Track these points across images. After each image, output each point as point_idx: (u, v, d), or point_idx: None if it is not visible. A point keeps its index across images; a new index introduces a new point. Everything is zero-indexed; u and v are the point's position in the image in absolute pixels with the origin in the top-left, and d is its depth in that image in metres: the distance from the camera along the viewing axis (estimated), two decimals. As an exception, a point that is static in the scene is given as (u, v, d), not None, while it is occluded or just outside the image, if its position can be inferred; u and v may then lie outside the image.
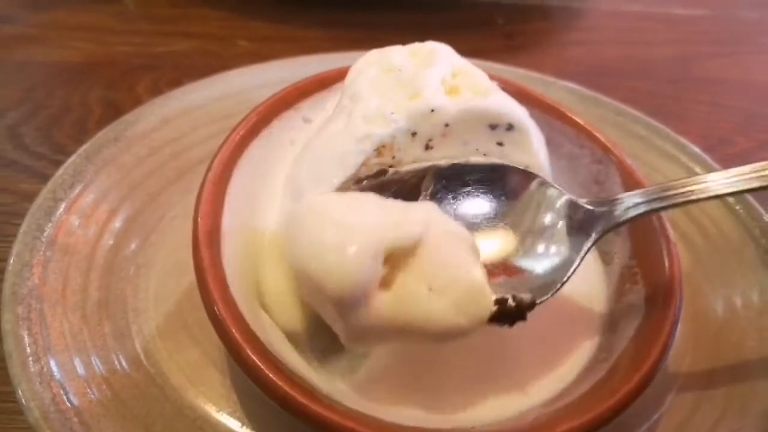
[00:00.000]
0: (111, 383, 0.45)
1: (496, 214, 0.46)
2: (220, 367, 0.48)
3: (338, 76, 0.56)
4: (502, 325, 0.43)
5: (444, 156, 0.47)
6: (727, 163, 0.67)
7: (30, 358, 0.43)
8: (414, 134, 0.46)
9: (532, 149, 0.48)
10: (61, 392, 0.43)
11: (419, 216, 0.42)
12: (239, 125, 0.51)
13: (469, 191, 0.47)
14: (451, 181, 0.47)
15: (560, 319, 0.49)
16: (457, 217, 0.46)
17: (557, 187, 0.48)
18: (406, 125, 0.46)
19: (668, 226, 0.51)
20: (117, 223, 0.54)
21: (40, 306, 0.47)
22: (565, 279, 0.44)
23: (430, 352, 0.46)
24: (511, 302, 0.42)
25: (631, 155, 0.56)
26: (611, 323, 0.49)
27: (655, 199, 0.47)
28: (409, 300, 0.40)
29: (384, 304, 0.40)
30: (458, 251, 0.43)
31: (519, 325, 0.43)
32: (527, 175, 0.48)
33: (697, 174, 0.64)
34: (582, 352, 0.48)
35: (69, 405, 0.42)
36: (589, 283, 0.52)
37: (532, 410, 0.44)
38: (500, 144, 0.49)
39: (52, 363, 0.44)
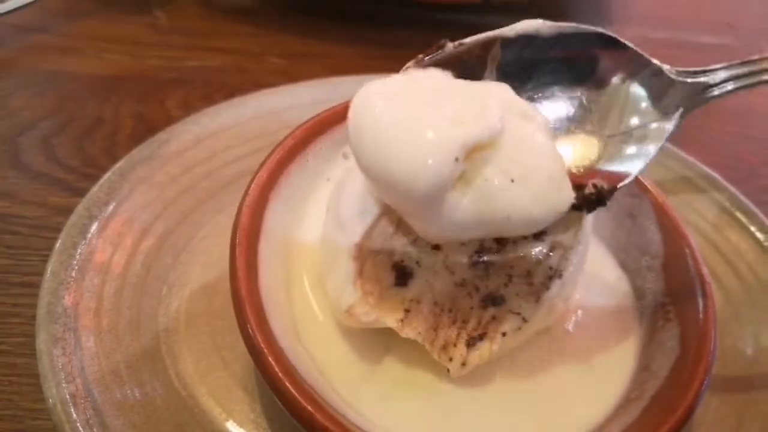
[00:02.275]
0: (143, 405, 0.45)
1: (567, 91, 0.46)
2: (250, 391, 0.48)
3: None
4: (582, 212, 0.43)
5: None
6: (756, 195, 0.68)
7: (64, 380, 0.43)
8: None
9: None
10: (94, 415, 0.43)
11: (495, 102, 0.41)
12: (275, 150, 0.51)
13: (539, 64, 0.46)
14: (521, 50, 0.46)
15: (592, 355, 0.49)
16: (528, 95, 0.45)
17: (640, 52, 0.46)
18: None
19: (703, 264, 0.50)
20: (149, 242, 0.55)
21: (75, 325, 0.47)
22: (643, 167, 0.45)
23: (459, 391, 0.46)
24: (590, 188, 0.43)
25: (660, 187, 0.56)
26: (644, 361, 0.49)
27: (744, 75, 0.46)
28: (491, 193, 0.40)
29: (466, 199, 0.40)
30: (535, 137, 0.42)
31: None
32: (604, 40, 0.47)
33: (726, 208, 0.64)
34: (614, 389, 0.47)
35: (102, 429, 0.42)
36: (621, 318, 0.52)
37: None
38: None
39: (86, 385, 0.44)
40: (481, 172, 0.40)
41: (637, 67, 0.47)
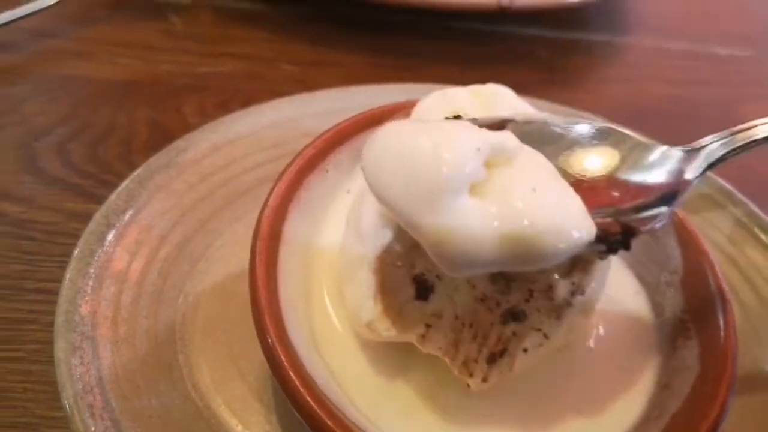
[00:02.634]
0: (160, 416, 0.45)
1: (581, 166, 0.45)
2: (266, 402, 0.48)
3: (390, 112, 0.56)
4: (604, 252, 0.41)
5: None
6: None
7: (82, 389, 0.43)
8: None
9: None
10: (112, 425, 0.42)
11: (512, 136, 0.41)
12: (295, 160, 0.51)
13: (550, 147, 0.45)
14: (532, 136, 0.44)
15: (610, 372, 0.49)
16: None
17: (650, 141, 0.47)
18: None
19: (723, 280, 0.50)
20: (167, 250, 0.54)
21: (92, 334, 0.47)
22: (671, 209, 0.44)
23: (479, 408, 0.46)
24: (615, 226, 0.41)
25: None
26: (664, 379, 0.48)
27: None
28: (512, 199, 0.38)
29: (486, 204, 0.38)
30: (551, 173, 0.41)
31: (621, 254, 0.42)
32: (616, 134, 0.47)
33: (744, 223, 0.64)
34: (634, 408, 0.47)
35: (120, 438, 0.42)
36: (640, 334, 0.51)
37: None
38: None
39: (104, 395, 0.44)
40: (501, 182, 0.39)
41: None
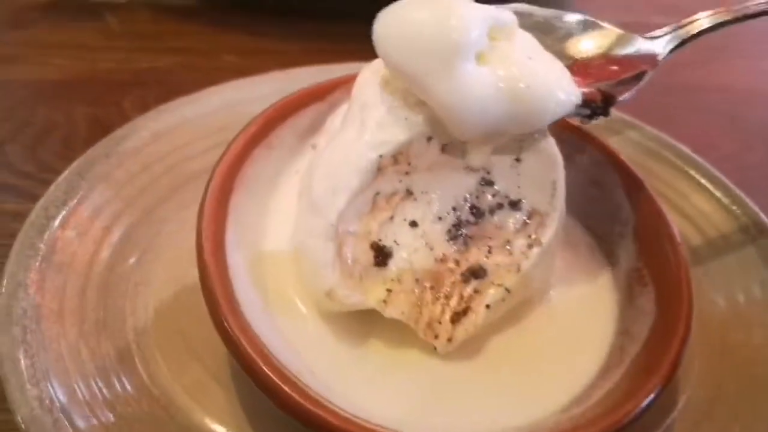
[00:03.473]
0: (114, 406, 0.43)
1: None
2: (225, 383, 0.46)
3: (331, 88, 0.56)
4: (586, 117, 0.48)
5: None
6: (717, 165, 0.69)
7: (28, 383, 0.41)
8: (430, 139, 0.45)
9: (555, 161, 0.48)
10: (63, 417, 0.41)
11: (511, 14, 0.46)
12: (237, 138, 0.50)
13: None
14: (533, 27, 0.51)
15: (571, 324, 0.49)
16: None
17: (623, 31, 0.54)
18: (420, 130, 0.44)
19: (674, 225, 0.50)
20: (112, 240, 0.52)
21: (37, 327, 0.45)
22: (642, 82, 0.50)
23: (446, 367, 0.45)
24: (597, 95, 0.47)
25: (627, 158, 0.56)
26: (623, 326, 0.48)
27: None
28: (511, 65, 0.43)
29: (488, 70, 0.42)
30: (542, 49, 0.47)
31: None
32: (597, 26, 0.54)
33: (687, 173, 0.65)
34: (595, 357, 0.47)
35: (72, 430, 0.40)
36: (597, 285, 0.52)
37: (550, 417, 0.43)
38: (517, 159, 0.48)
39: (52, 387, 0.42)
40: (501, 51, 0.43)
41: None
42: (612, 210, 0.54)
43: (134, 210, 0.55)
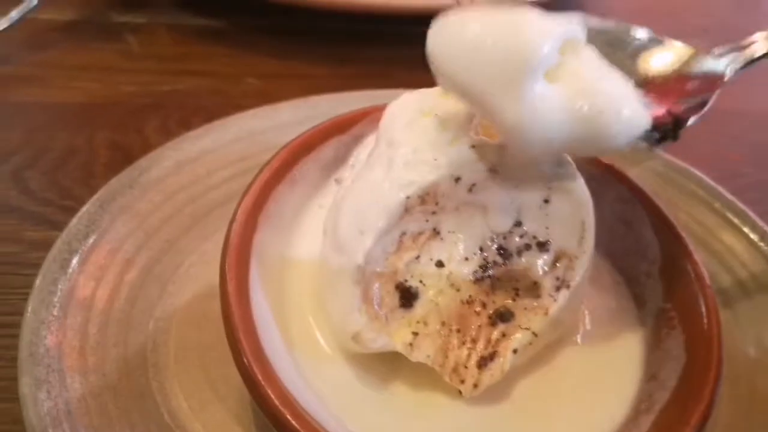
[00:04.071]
0: (135, 446, 0.43)
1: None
2: (247, 425, 0.46)
3: (354, 120, 0.56)
4: (655, 141, 0.45)
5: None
6: (741, 194, 0.67)
7: (50, 425, 0.41)
8: (458, 179, 0.44)
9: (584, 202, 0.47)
10: (84, 459, 0.40)
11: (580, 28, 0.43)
12: (260, 173, 0.49)
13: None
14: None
15: (597, 367, 0.48)
16: None
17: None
18: (449, 171, 0.44)
19: (702, 265, 0.49)
20: (133, 274, 0.52)
21: (59, 366, 0.44)
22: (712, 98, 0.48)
23: (471, 411, 0.44)
24: (667, 117, 0.45)
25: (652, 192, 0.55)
26: (651, 370, 0.47)
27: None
28: (581, 83, 0.40)
29: (558, 87, 0.40)
30: (609, 66, 0.44)
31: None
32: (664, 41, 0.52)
33: (717, 210, 0.64)
34: (623, 401, 0.46)
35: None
36: (624, 326, 0.51)
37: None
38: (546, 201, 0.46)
39: (74, 429, 0.41)
40: (571, 68, 0.40)
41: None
42: (639, 248, 0.53)
43: (156, 242, 0.55)
